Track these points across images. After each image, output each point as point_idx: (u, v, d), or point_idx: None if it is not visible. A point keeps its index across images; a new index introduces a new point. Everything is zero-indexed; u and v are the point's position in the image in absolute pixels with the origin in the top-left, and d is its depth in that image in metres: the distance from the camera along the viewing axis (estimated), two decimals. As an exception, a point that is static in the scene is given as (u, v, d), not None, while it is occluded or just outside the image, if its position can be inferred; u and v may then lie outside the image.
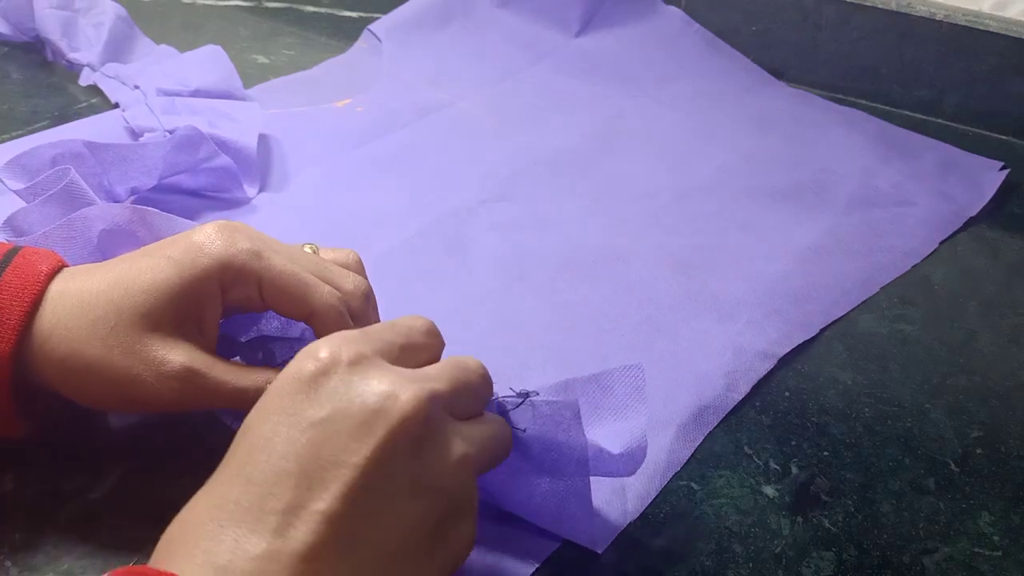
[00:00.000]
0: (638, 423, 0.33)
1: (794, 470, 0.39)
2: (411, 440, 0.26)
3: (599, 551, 0.34)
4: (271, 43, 0.73)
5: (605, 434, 0.33)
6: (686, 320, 0.46)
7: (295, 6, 0.79)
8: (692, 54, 0.75)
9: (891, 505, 0.38)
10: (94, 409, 0.37)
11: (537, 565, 0.34)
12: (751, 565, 0.35)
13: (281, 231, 0.49)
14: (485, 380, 0.31)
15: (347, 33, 0.74)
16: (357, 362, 0.27)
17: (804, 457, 0.40)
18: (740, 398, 0.42)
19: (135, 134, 0.55)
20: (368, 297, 0.37)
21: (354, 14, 0.79)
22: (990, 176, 0.61)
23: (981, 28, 0.66)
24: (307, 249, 0.37)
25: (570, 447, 0.32)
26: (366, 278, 0.38)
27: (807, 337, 0.46)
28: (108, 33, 0.63)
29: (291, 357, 0.28)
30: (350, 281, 0.36)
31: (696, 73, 0.72)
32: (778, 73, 0.74)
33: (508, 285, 0.48)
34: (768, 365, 0.44)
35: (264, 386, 0.33)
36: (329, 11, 0.79)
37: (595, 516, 0.35)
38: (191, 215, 0.49)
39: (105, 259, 0.37)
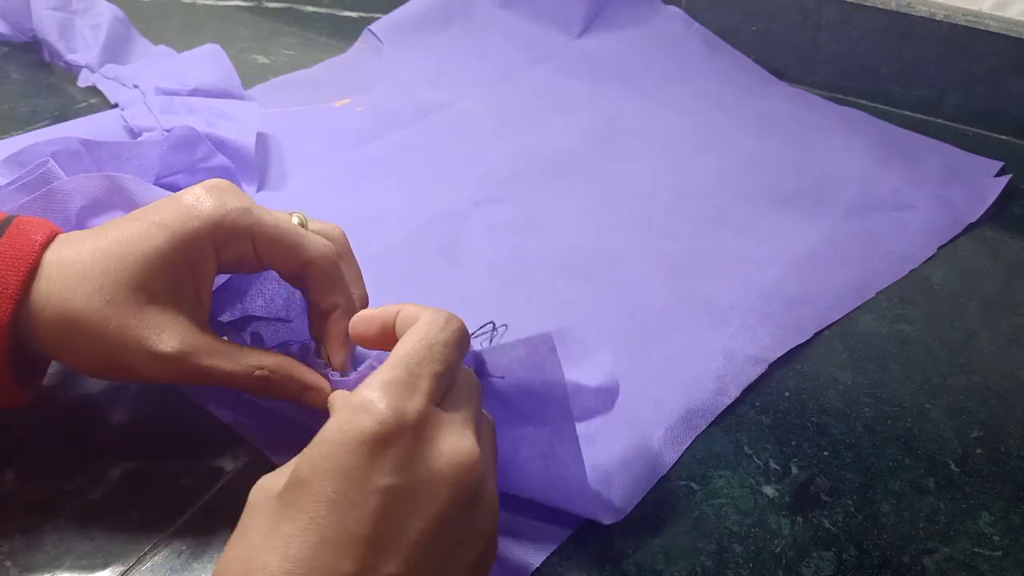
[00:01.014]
0: (604, 361, 0.33)
1: (794, 470, 0.39)
2: (466, 498, 0.28)
3: (591, 518, 0.35)
4: (271, 43, 0.73)
5: (576, 373, 0.33)
6: (679, 324, 0.46)
7: (295, 6, 0.79)
8: (694, 55, 0.75)
9: (891, 505, 0.38)
10: (89, 376, 0.38)
11: (536, 566, 0.34)
12: (751, 565, 0.35)
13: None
14: (466, 340, 0.31)
15: (347, 33, 0.74)
16: (421, 426, 0.27)
17: (804, 457, 0.40)
18: (729, 402, 0.42)
19: (134, 133, 0.55)
20: (345, 240, 0.39)
21: (354, 14, 0.79)
22: (991, 181, 0.60)
23: (981, 28, 0.66)
24: (295, 219, 0.37)
25: (548, 385, 0.32)
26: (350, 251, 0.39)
27: (800, 341, 0.46)
28: (105, 34, 0.63)
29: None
30: (333, 230, 0.38)
31: (698, 74, 0.72)
32: (778, 73, 0.74)
33: (501, 286, 0.48)
34: (759, 369, 0.44)
35: (254, 372, 0.33)
36: (329, 11, 0.79)
37: (585, 486, 0.34)
38: None
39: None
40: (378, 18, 0.74)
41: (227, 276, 0.38)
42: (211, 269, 0.35)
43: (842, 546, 0.36)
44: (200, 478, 0.36)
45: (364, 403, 0.27)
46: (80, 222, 0.39)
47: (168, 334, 0.33)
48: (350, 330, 0.34)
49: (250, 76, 0.66)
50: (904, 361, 0.46)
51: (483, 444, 0.29)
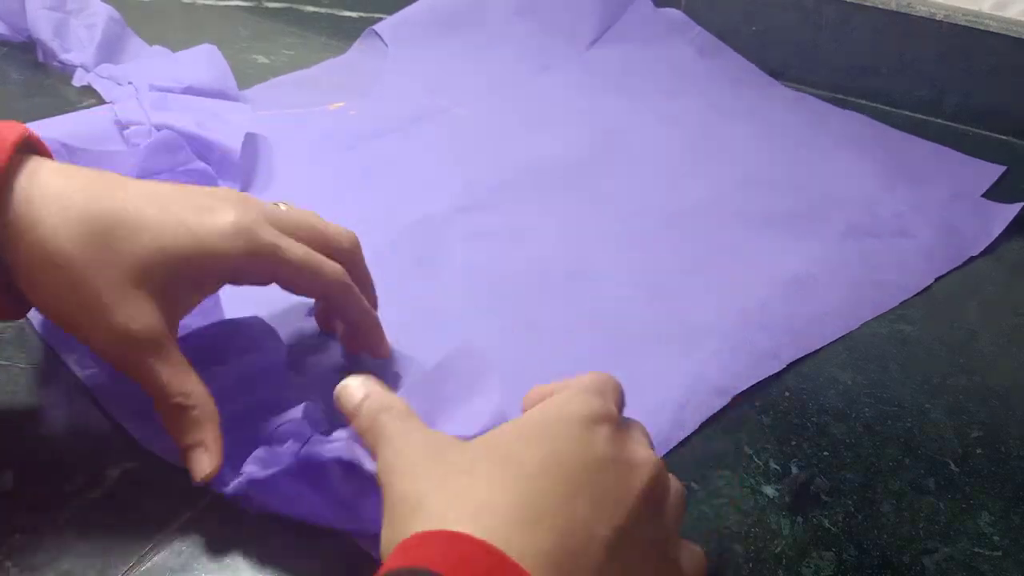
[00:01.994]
0: (491, 399, 0.34)
1: (794, 470, 0.39)
2: (656, 496, 0.29)
3: None
4: (271, 43, 0.73)
5: (462, 419, 0.33)
6: (651, 346, 0.45)
7: (295, 6, 0.79)
8: (700, 66, 0.73)
9: (891, 505, 0.38)
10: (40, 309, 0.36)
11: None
12: (751, 565, 0.35)
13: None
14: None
15: (347, 33, 0.74)
16: (620, 426, 0.30)
17: (804, 457, 0.40)
18: (685, 435, 0.40)
19: (121, 126, 0.55)
20: (358, 245, 0.40)
21: (354, 14, 0.79)
22: (999, 210, 0.58)
23: (981, 28, 0.66)
24: (282, 207, 0.38)
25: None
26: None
27: (772, 372, 0.44)
28: (101, 34, 0.63)
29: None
30: (345, 238, 0.39)
31: (703, 87, 0.71)
32: (778, 73, 0.74)
33: (472, 297, 0.47)
34: (722, 401, 0.42)
35: (176, 398, 0.33)
36: (329, 11, 0.79)
37: None
38: None
39: None
40: (379, 18, 0.74)
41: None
42: (214, 288, 0.36)
43: (842, 546, 0.36)
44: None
45: (572, 397, 0.30)
46: None
47: (141, 317, 0.33)
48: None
49: (250, 76, 0.66)
50: (904, 361, 0.46)
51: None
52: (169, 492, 0.35)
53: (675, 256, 0.52)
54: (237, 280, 0.36)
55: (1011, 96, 0.67)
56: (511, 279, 0.49)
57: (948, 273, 0.52)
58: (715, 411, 0.41)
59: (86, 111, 0.58)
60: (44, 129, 0.49)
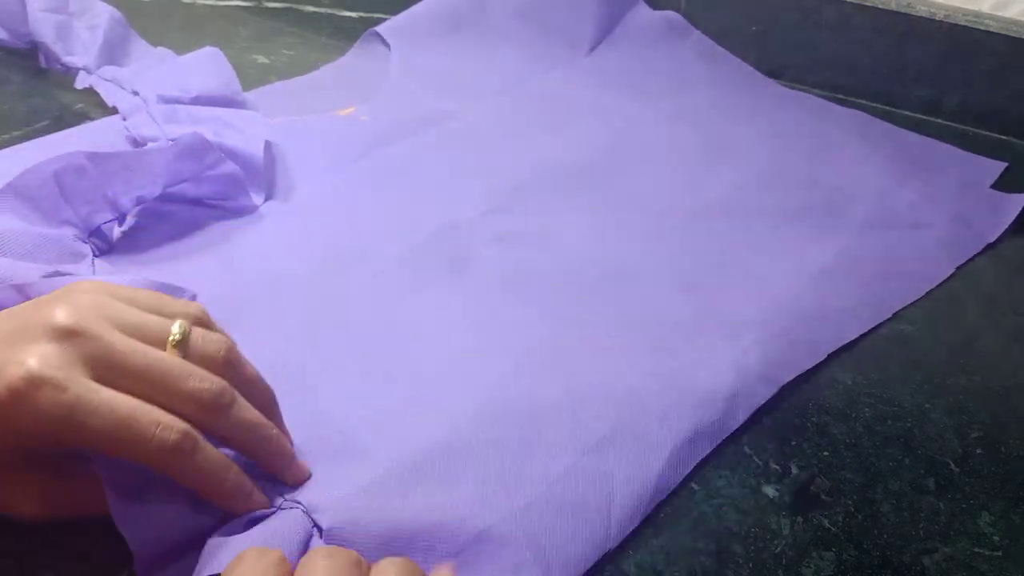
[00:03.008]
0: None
1: (794, 470, 0.39)
2: None
3: None
4: (271, 43, 0.73)
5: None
6: (690, 338, 0.45)
7: (295, 6, 0.79)
8: (705, 68, 0.73)
9: (891, 505, 0.38)
10: None
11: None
12: (751, 565, 0.35)
13: (287, 241, 0.49)
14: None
15: (347, 33, 0.74)
16: None
17: (804, 457, 0.40)
18: (737, 426, 0.40)
19: (137, 144, 0.54)
20: (229, 362, 0.32)
21: (354, 14, 0.79)
22: (1009, 199, 0.59)
23: (981, 28, 0.66)
24: (175, 330, 0.31)
25: None
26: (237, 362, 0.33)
27: (813, 363, 0.44)
28: (103, 36, 0.63)
29: None
30: (197, 380, 0.30)
31: (710, 85, 0.71)
32: (777, 73, 0.74)
33: (507, 300, 0.47)
34: (770, 390, 0.42)
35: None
36: (329, 11, 0.79)
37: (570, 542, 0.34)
38: (196, 225, 0.49)
39: None
40: (379, 18, 0.74)
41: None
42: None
43: (842, 546, 0.36)
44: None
45: None
46: None
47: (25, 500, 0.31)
48: None
49: (250, 76, 0.66)
50: (904, 361, 0.46)
51: None
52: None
53: (703, 252, 0.53)
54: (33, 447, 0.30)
55: (1011, 96, 0.67)
56: (548, 279, 0.49)
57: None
58: (764, 401, 0.42)
59: (92, 126, 0.57)
60: (57, 149, 0.47)
